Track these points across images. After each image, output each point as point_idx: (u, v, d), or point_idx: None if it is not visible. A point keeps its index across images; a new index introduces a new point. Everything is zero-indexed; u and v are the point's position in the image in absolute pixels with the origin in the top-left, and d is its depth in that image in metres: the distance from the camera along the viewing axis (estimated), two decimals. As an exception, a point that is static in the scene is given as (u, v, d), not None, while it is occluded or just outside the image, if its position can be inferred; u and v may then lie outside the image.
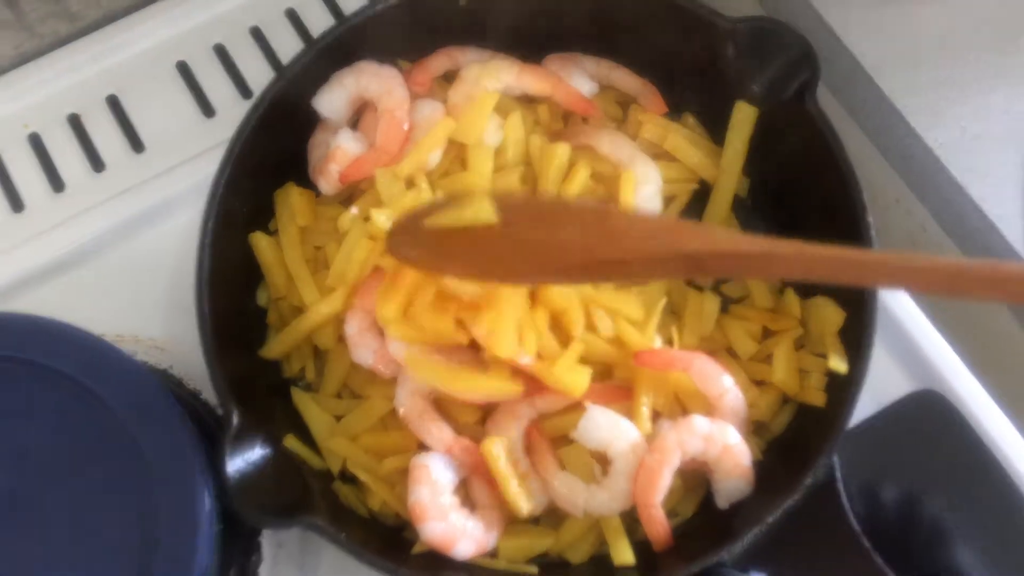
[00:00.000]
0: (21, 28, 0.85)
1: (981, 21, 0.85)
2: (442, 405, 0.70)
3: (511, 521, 0.69)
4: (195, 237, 0.69)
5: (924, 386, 0.76)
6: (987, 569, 0.70)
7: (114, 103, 0.86)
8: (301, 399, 0.73)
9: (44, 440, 0.59)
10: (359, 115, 0.78)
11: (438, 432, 0.68)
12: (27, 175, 0.83)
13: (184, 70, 0.88)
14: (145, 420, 0.59)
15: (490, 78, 0.76)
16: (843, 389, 0.68)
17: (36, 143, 0.85)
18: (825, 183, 0.72)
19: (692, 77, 0.78)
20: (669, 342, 0.72)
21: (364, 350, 0.70)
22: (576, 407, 0.69)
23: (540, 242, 0.62)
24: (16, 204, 0.83)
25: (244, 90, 0.87)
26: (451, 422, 0.70)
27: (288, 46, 0.88)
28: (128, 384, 0.60)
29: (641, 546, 0.68)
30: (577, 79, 0.79)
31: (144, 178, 0.82)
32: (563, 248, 0.62)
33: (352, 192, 0.77)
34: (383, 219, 0.70)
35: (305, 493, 0.67)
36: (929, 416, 0.74)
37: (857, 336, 0.69)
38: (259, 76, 0.87)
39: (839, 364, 0.69)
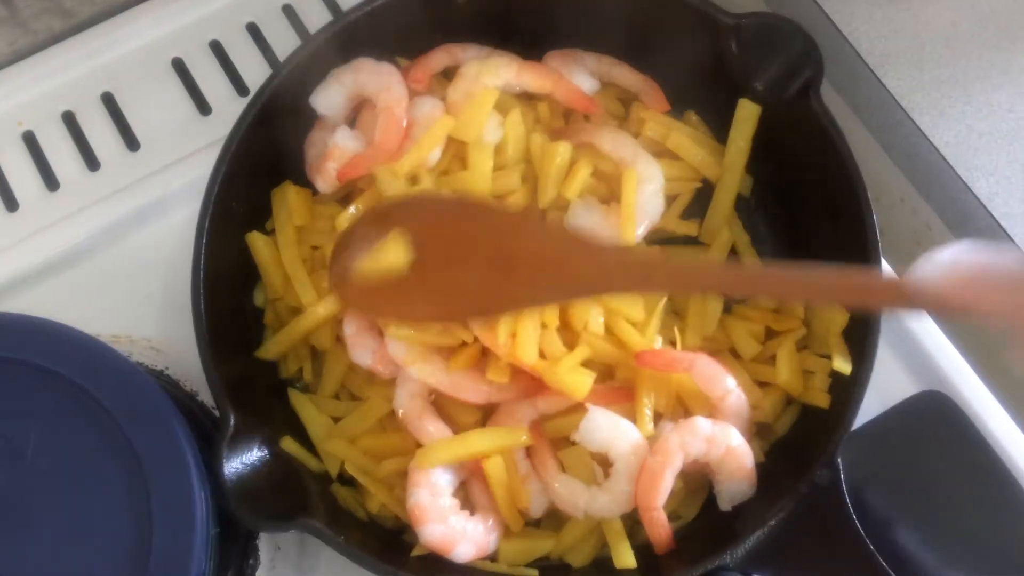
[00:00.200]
0: (15, 24, 0.84)
1: (986, 18, 0.85)
2: (442, 406, 0.70)
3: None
4: (191, 236, 0.69)
5: (929, 387, 0.75)
6: (992, 570, 0.70)
7: (109, 100, 0.86)
8: (299, 400, 0.73)
9: (39, 442, 0.58)
10: (357, 113, 0.77)
11: (438, 434, 0.68)
12: (21, 173, 0.83)
13: (179, 67, 0.87)
14: (141, 422, 0.59)
15: (490, 75, 0.75)
16: (847, 390, 0.67)
17: (30, 141, 0.84)
18: (829, 181, 0.71)
19: (695, 74, 0.78)
20: (672, 343, 0.71)
21: (363, 351, 0.70)
22: (577, 408, 0.68)
23: (450, 284, 0.66)
24: (10, 203, 0.82)
25: (240, 87, 0.86)
26: (451, 423, 0.69)
27: (285, 42, 0.87)
28: (124, 385, 0.60)
29: (643, 549, 0.68)
30: (578, 76, 0.78)
31: (139, 176, 0.81)
32: (469, 292, 0.65)
33: (350, 191, 0.76)
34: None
35: (303, 495, 0.67)
36: (934, 417, 0.74)
37: (861, 337, 0.68)
38: (255, 73, 0.86)
39: (843, 365, 0.69)
